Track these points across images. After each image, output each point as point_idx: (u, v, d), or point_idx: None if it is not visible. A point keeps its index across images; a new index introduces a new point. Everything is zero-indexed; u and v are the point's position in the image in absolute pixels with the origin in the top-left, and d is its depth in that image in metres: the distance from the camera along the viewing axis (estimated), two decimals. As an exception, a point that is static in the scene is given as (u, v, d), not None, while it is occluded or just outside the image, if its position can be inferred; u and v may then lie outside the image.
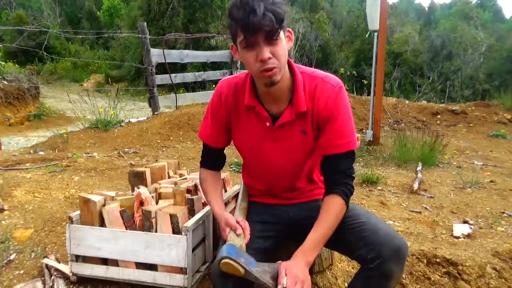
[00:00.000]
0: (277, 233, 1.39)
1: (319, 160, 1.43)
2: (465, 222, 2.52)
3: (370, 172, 3.49)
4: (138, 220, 1.58)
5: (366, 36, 5.83)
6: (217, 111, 1.39)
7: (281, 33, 1.14)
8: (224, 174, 1.90)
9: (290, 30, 1.21)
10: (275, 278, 1.16)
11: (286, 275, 1.13)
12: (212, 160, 1.49)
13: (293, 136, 1.31)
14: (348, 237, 1.23)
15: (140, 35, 5.54)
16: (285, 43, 1.18)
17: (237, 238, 1.22)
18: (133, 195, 1.65)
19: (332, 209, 1.24)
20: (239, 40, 1.15)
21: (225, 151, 1.52)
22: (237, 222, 1.27)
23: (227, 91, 1.37)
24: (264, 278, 1.14)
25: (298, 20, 17.43)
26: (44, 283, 1.64)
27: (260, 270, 1.15)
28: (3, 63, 8.17)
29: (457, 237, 2.28)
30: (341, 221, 1.26)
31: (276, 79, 1.18)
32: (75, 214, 1.60)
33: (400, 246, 1.15)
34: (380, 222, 1.25)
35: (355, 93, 11.22)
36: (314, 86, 1.27)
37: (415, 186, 3.24)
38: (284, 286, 1.11)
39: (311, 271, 1.74)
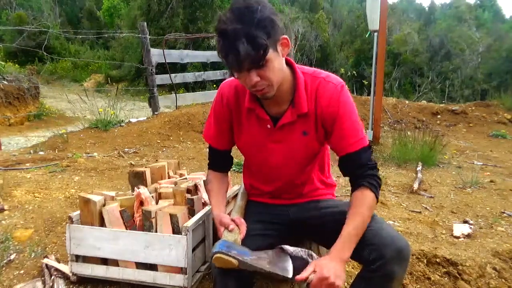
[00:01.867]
0: (277, 232, 1.39)
1: (321, 161, 1.43)
2: (465, 222, 2.51)
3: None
4: (138, 220, 1.58)
5: (366, 36, 5.82)
6: (219, 113, 1.40)
7: (269, 54, 1.10)
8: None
9: (285, 37, 1.15)
10: (273, 262, 1.15)
11: (315, 271, 1.08)
12: (218, 161, 1.50)
13: (294, 137, 1.31)
14: None
15: (140, 35, 5.54)
16: (276, 59, 1.14)
17: (231, 234, 1.22)
18: (133, 195, 1.65)
19: (363, 202, 1.20)
20: (227, 65, 1.13)
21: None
22: (232, 219, 1.27)
23: (228, 93, 1.37)
24: (260, 264, 1.13)
25: (297, 19, 17.41)
26: (44, 283, 1.64)
27: (255, 258, 1.15)
28: (3, 63, 8.17)
29: (457, 237, 2.28)
30: (343, 222, 1.26)
31: (269, 96, 1.19)
32: (75, 214, 1.60)
33: (403, 247, 1.14)
34: (382, 223, 1.25)
35: (355, 93, 11.21)
36: (316, 86, 1.27)
37: (415, 186, 3.24)
38: (308, 282, 1.06)
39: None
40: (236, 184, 2.19)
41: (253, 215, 1.42)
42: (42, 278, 1.67)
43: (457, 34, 18.16)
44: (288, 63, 1.27)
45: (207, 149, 1.52)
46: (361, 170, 1.25)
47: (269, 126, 1.31)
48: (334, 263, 1.10)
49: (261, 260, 1.15)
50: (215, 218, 1.32)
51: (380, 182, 1.26)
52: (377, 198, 1.23)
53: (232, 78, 1.37)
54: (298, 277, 1.08)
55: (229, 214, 1.39)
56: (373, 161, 1.27)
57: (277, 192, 1.44)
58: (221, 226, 1.27)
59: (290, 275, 1.14)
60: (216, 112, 1.40)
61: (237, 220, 1.27)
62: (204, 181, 1.81)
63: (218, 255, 1.11)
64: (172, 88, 6.49)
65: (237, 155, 1.66)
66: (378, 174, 1.26)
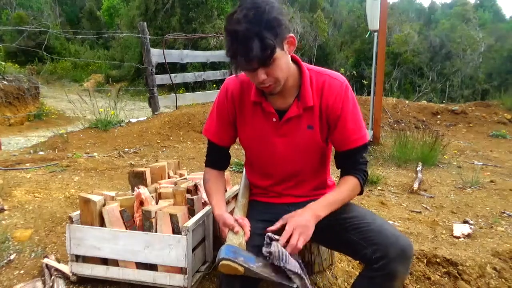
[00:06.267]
0: (280, 232, 1.39)
1: (322, 160, 1.43)
2: (465, 222, 2.52)
3: (370, 172, 3.49)
4: (138, 220, 1.58)
5: (366, 36, 5.83)
6: (223, 108, 1.40)
7: (277, 53, 1.12)
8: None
9: (292, 35, 1.17)
10: (278, 270, 1.15)
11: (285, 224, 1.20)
12: (216, 159, 1.49)
13: (300, 131, 1.33)
14: (353, 237, 1.24)
15: (140, 35, 5.54)
16: (283, 57, 1.17)
17: (236, 236, 1.21)
18: (133, 195, 1.66)
19: (349, 186, 1.32)
20: (235, 64, 1.15)
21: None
22: (236, 220, 1.26)
23: (234, 87, 1.38)
24: (266, 272, 1.14)
25: (293, 19, 17.39)
26: (44, 283, 1.64)
27: (260, 265, 1.15)
28: (3, 63, 8.17)
29: (457, 237, 2.28)
30: (346, 221, 1.27)
31: (275, 91, 1.23)
32: (75, 214, 1.60)
33: (406, 247, 1.16)
34: (385, 223, 1.26)
35: (355, 93, 11.21)
36: (322, 82, 1.30)
37: (415, 186, 3.24)
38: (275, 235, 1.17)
39: (312, 271, 1.74)
40: (236, 184, 2.18)
41: (256, 214, 1.42)
42: (42, 278, 1.67)
43: (459, 34, 18.14)
44: (294, 59, 1.30)
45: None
46: (356, 165, 1.35)
47: (274, 119, 1.33)
48: (306, 215, 1.21)
49: (266, 267, 1.15)
50: (218, 219, 1.31)
51: (367, 177, 1.39)
52: (361, 191, 1.36)
53: (237, 74, 1.40)
54: (269, 229, 1.22)
55: (231, 212, 1.38)
56: (365, 157, 1.38)
57: (278, 188, 1.44)
58: (224, 227, 1.26)
59: (295, 284, 1.14)
60: (220, 106, 1.41)
61: (240, 220, 1.26)
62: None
63: (224, 262, 1.11)
64: (172, 88, 6.49)
65: (237, 155, 1.66)
66: (367, 169, 1.38)
